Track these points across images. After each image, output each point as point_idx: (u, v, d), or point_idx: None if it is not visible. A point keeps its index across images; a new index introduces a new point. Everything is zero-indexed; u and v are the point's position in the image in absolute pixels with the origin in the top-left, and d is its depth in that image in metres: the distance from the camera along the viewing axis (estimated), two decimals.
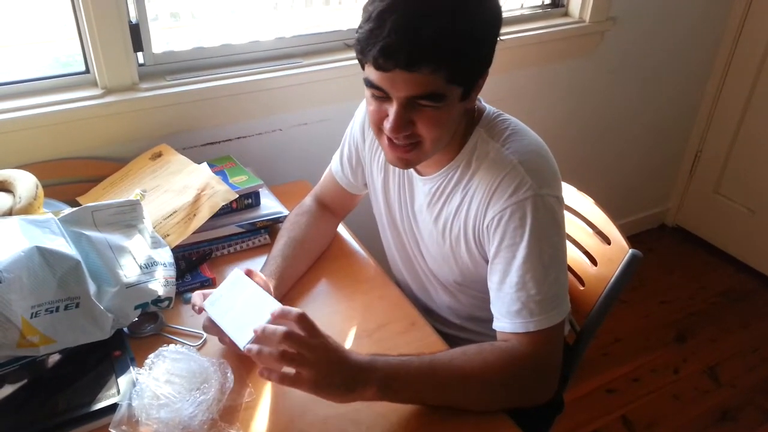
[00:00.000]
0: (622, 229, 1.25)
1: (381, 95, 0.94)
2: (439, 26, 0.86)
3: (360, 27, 0.91)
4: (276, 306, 0.94)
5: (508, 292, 1.00)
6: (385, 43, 0.86)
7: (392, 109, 0.94)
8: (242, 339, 0.94)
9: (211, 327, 1.04)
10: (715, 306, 2.50)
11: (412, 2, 0.86)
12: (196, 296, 1.07)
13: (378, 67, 0.89)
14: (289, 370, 0.87)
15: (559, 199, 1.03)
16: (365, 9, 0.91)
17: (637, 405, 2.03)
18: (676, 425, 1.97)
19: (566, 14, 2.16)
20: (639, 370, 2.17)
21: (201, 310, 1.04)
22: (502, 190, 1.00)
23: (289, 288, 1.21)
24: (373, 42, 0.88)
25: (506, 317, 1.00)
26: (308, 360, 0.86)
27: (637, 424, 1.96)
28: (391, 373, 0.91)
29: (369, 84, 0.94)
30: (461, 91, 0.95)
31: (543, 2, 2.16)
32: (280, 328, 0.87)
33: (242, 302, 1.00)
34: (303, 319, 0.88)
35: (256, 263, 1.30)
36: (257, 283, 1.04)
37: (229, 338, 1.01)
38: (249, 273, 1.06)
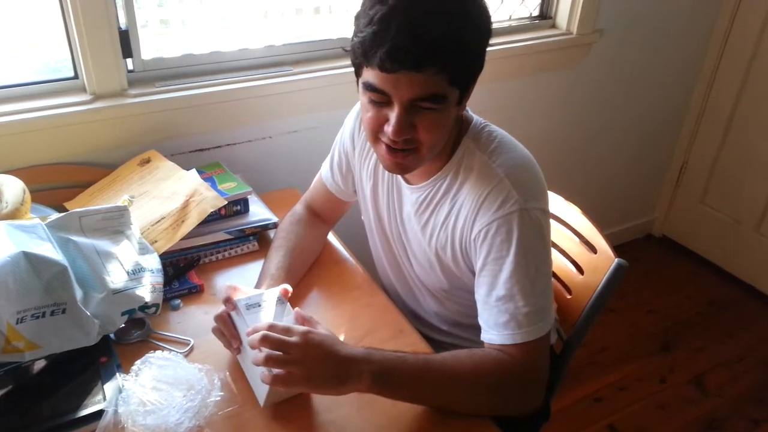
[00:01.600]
0: (608, 238, 1.26)
1: (381, 100, 0.95)
2: (443, 28, 0.88)
3: (360, 31, 0.91)
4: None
5: (495, 304, 1.01)
6: (393, 44, 0.87)
7: (393, 113, 0.94)
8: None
9: (226, 322, 1.02)
10: (702, 316, 2.52)
11: (415, 6, 0.88)
12: (228, 289, 1.04)
13: (383, 69, 0.90)
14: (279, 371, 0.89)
15: (545, 212, 1.04)
16: (364, 14, 0.91)
17: (623, 414, 2.04)
18: None
19: (554, 26, 2.18)
20: (626, 380, 2.18)
21: (233, 306, 1.01)
22: (488, 204, 1.01)
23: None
24: (378, 44, 0.88)
25: (494, 329, 1.01)
26: (292, 358, 0.88)
27: None
28: (387, 367, 0.92)
29: (370, 88, 0.94)
30: (458, 95, 0.96)
31: (531, 14, 2.19)
32: (257, 335, 0.90)
33: None
34: (272, 326, 0.91)
35: (245, 270, 1.30)
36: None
37: (238, 343, 1.01)
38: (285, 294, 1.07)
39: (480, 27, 0.94)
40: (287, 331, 0.91)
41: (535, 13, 2.19)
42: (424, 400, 0.96)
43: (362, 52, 0.91)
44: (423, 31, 0.87)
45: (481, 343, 1.04)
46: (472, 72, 0.97)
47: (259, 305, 1.02)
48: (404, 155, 1.00)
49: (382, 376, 0.91)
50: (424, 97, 0.92)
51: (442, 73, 0.90)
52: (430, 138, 0.98)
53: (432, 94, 0.92)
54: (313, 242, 1.34)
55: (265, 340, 0.89)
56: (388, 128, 0.96)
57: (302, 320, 0.99)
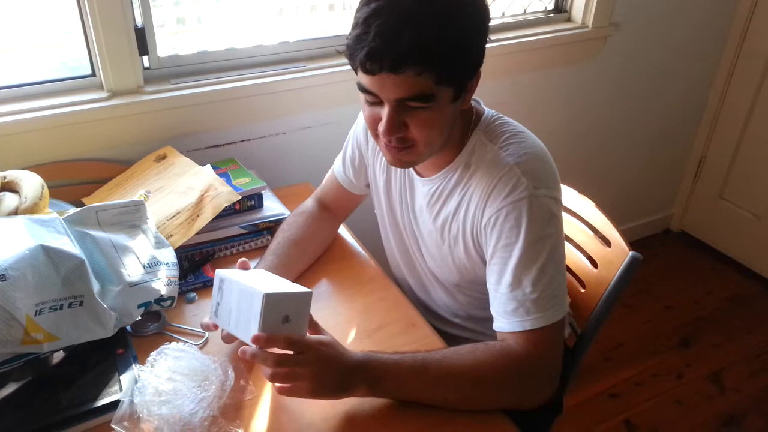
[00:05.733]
0: (626, 233, 1.25)
1: (374, 100, 0.96)
2: (422, 30, 0.87)
3: (349, 33, 0.93)
4: (258, 294, 0.92)
5: (504, 291, 1.01)
6: (370, 47, 0.88)
7: (384, 112, 0.96)
8: (248, 336, 0.94)
9: (227, 336, 1.06)
10: (720, 311, 2.49)
11: (396, 8, 0.88)
12: (206, 319, 1.07)
13: (366, 71, 0.92)
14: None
15: (557, 200, 1.04)
16: (354, 16, 0.93)
17: (640, 410, 2.03)
18: (680, 431, 1.97)
19: (569, 20, 2.17)
20: (642, 375, 2.16)
21: (215, 326, 1.05)
22: (498, 191, 1.01)
23: None
24: (359, 47, 0.90)
25: (503, 316, 1.01)
26: (302, 374, 0.91)
27: (640, 429, 1.96)
28: (382, 372, 0.95)
29: (361, 88, 0.97)
30: (452, 93, 0.96)
31: (546, 8, 2.17)
32: (271, 357, 0.91)
33: (236, 302, 1.00)
34: (289, 342, 0.92)
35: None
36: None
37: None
38: (243, 265, 1.09)
39: (466, 26, 0.92)
40: (300, 346, 0.92)
41: (550, 6, 2.18)
42: (425, 399, 0.97)
43: (349, 54, 0.93)
44: (399, 34, 0.87)
45: (494, 336, 1.04)
46: (462, 70, 0.96)
47: (218, 303, 1.02)
48: (400, 151, 1.01)
49: (375, 384, 0.94)
50: (409, 97, 0.92)
51: (425, 74, 0.90)
52: (424, 135, 0.98)
53: (417, 94, 0.92)
54: (316, 233, 1.34)
55: (279, 365, 0.91)
56: (381, 126, 0.97)
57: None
